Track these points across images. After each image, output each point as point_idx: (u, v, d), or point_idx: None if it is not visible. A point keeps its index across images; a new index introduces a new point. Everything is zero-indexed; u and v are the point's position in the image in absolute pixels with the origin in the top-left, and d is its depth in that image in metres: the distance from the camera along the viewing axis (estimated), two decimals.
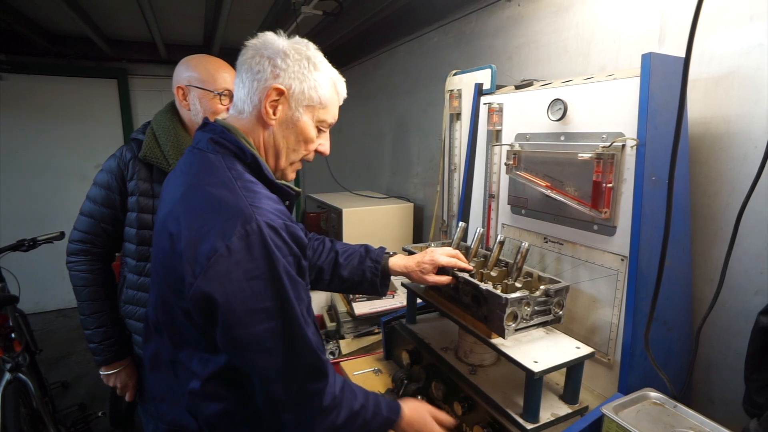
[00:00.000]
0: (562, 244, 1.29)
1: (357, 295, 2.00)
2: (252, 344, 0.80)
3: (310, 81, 0.93)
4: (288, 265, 0.82)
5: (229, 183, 0.85)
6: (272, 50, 0.91)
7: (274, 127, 0.94)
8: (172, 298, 0.87)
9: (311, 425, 0.86)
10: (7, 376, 2.05)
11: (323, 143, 1.03)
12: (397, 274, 1.27)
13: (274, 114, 0.92)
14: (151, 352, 1.02)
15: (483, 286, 1.07)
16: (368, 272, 1.27)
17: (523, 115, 1.40)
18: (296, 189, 1.00)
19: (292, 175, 1.04)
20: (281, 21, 3.13)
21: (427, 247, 1.32)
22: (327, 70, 0.97)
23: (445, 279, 1.17)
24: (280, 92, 0.91)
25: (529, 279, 1.17)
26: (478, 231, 1.32)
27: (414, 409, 1.07)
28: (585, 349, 1.06)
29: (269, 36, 0.93)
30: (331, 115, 1.01)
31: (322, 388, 0.87)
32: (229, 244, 0.77)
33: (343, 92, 1.03)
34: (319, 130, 1.00)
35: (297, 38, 0.96)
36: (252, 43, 0.93)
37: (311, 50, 0.96)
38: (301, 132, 0.96)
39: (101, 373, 1.51)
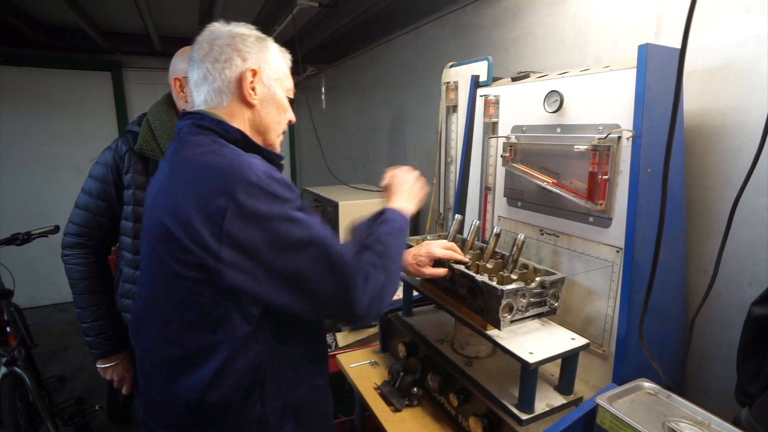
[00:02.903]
0: (557, 236, 1.29)
1: None
2: (295, 279, 0.82)
3: (270, 56, 0.99)
4: (295, 197, 0.87)
5: (216, 149, 0.87)
6: (227, 38, 0.94)
7: (256, 106, 0.98)
8: (182, 272, 0.84)
9: (378, 290, 0.87)
10: (3, 369, 2.04)
11: (290, 111, 1.09)
12: None
13: (255, 94, 0.96)
14: (142, 346, 1.00)
15: (479, 278, 1.07)
16: None
17: (519, 107, 1.40)
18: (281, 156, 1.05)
19: (279, 148, 1.09)
20: (276, 13, 3.10)
21: (423, 240, 1.32)
22: (272, 43, 1.02)
23: (441, 271, 1.17)
24: (254, 72, 0.95)
25: (525, 271, 1.18)
26: (474, 223, 1.32)
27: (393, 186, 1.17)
28: (580, 341, 1.07)
29: (215, 26, 0.97)
30: (291, 82, 1.07)
31: (354, 275, 0.85)
32: (235, 198, 0.79)
33: (289, 59, 1.07)
34: (289, 100, 1.06)
35: (235, 23, 0.99)
36: (202, 37, 0.96)
37: (253, 30, 1.00)
38: (279, 104, 1.02)
39: (98, 366, 1.50)
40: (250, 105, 0.97)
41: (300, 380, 0.98)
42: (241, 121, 0.97)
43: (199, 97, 0.97)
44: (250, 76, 0.94)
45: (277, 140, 1.06)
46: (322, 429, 1.04)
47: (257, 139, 0.99)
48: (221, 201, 0.80)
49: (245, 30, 0.97)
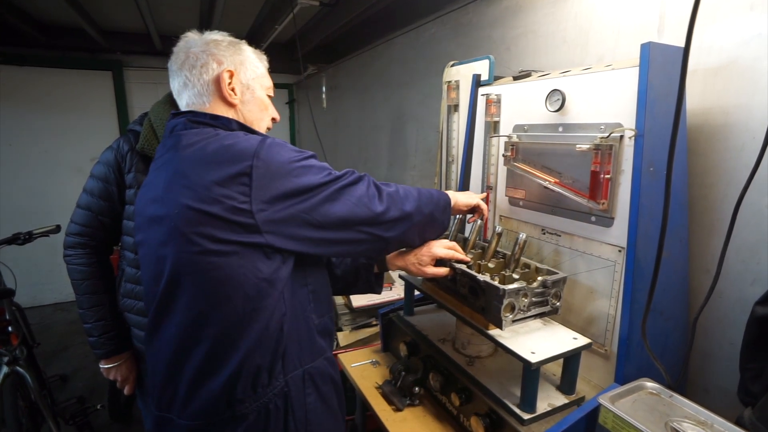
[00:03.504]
0: (559, 236, 1.29)
1: None
2: (339, 206, 0.93)
3: (245, 57, 1.03)
4: (310, 154, 0.95)
5: (223, 133, 0.93)
6: (201, 45, 0.99)
7: (238, 105, 1.02)
8: (211, 247, 0.86)
9: (403, 204, 1.03)
10: (5, 369, 2.04)
11: (273, 110, 1.13)
12: (396, 268, 1.27)
13: (235, 94, 1.01)
14: (162, 341, 0.97)
15: (481, 277, 1.07)
16: (362, 270, 1.27)
17: (521, 106, 1.40)
18: None
19: None
20: (277, 12, 3.10)
21: None
22: (246, 46, 1.07)
23: (443, 271, 1.17)
24: (231, 74, 1.00)
25: (527, 270, 1.18)
26: (475, 223, 1.31)
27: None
28: (582, 340, 1.07)
29: (189, 36, 1.02)
30: (270, 82, 1.12)
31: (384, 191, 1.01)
32: (258, 155, 0.85)
33: (266, 62, 1.12)
34: (269, 98, 1.11)
35: (208, 32, 1.04)
36: (178, 48, 1.00)
37: (227, 36, 1.05)
38: (260, 101, 1.07)
39: (101, 366, 1.50)
40: (231, 104, 1.01)
41: (316, 353, 1.02)
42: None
43: (181, 103, 1.02)
44: (228, 77, 0.99)
45: None
46: (337, 400, 1.08)
47: None
48: (245, 162, 0.85)
49: (218, 36, 1.02)
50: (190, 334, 0.92)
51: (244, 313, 0.89)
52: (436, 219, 1.12)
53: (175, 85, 1.01)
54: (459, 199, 1.23)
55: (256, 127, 1.04)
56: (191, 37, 1.01)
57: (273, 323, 0.92)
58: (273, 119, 1.13)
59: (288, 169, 0.88)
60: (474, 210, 1.30)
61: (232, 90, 1.00)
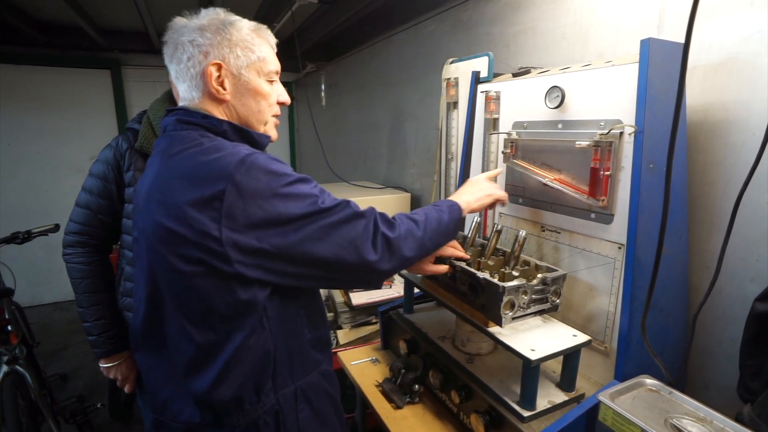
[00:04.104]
0: (559, 233, 1.29)
1: None
2: (313, 248, 0.83)
3: (238, 42, 0.92)
4: (291, 171, 0.86)
5: (205, 143, 0.86)
6: (188, 33, 0.90)
7: (230, 101, 0.93)
8: (184, 268, 0.83)
9: (401, 251, 0.92)
10: (4, 368, 2.04)
11: (281, 93, 1.02)
12: None
13: (225, 89, 0.92)
14: (152, 347, 0.98)
15: (480, 274, 1.07)
16: None
17: (520, 103, 1.39)
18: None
19: (273, 132, 1.04)
20: (276, 9, 3.09)
21: None
22: (244, 24, 0.95)
23: (442, 268, 1.17)
24: (219, 66, 0.90)
25: (527, 268, 1.17)
26: (475, 220, 1.31)
27: (466, 183, 1.22)
28: (582, 337, 1.07)
29: (178, 22, 0.92)
30: (274, 64, 0.99)
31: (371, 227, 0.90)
32: (232, 180, 0.78)
33: (271, 37, 1.00)
34: (272, 83, 1.00)
35: (197, 16, 0.94)
36: (167, 37, 0.92)
37: (222, 14, 0.94)
38: (256, 93, 0.95)
39: (101, 365, 1.50)
40: (221, 101, 0.93)
41: (310, 367, 0.99)
42: (218, 116, 0.93)
43: (180, 92, 0.96)
44: (215, 71, 0.90)
45: (265, 129, 1.01)
46: (334, 414, 1.05)
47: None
48: (218, 185, 0.78)
49: (205, 21, 0.91)
50: (176, 345, 0.91)
51: (222, 332, 0.86)
52: (440, 246, 1.07)
53: (171, 74, 0.95)
54: (472, 205, 1.14)
55: (253, 123, 0.97)
56: (178, 24, 0.92)
57: (256, 343, 0.88)
58: (281, 103, 1.02)
59: (265, 195, 0.80)
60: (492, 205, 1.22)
61: (221, 85, 0.91)
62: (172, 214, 0.81)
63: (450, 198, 1.13)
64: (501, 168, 1.37)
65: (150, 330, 0.96)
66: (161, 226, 0.83)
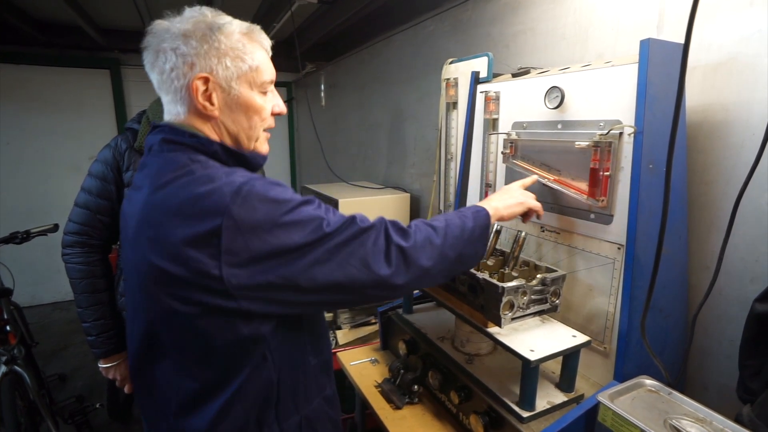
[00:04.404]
0: (558, 233, 1.29)
1: None
2: (321, 274, 0.77)
3: (227, 50, 0.81)
4: (292, 194, 0.79)
5: (196, 170, 0.78)
6: (171, 40, 0.79)
7: (218, 117, 0.84)
8: (181, 309, 0.77)
9: (419, 261, 0.85)
10: (3, 368, 2.04)
11: (276, 104, 0.92)
12: None
13: (212, 104, 0.82)
14: (147, 381, 0.92)
15: (479, 275, 1.07)
16: None
17: (520, 103, 1.39)
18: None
19: (265, 147, 0.94)
20: (275, 10, 3.09)
21: None
22: (235, 28, 0.84)
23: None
24: (206, 79, 0.80)
25: (526, 268, 1.17)
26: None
27: (498, 191, 1.15)
28: (581, 338, 1.07)
29: (159, 26, 0.81)
30: (268, 73, 0.89)
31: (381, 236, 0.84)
32: (229, 214, 0.72)
33: (265, 40, 0.89)
34: (265, 93, 0.90)
35: (189, 9, 0.83)
36: (147, 42, 0.82)
37: (209, 15, 0.83)
38: (248, 107, 0.86)
39: (100, 366, 1.50)
40: (208, 117, 0.83)
41: (314, 394, 0.95)
42: (206, 133, 0.85)
43: (163, 102, 0.86)
44: (201, 86, 0.80)
45: (255, 145, 0.92)
46: None
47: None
48: (215, 220, 0.72)
49: (190, 25, 0.80)
50: (171, 384, 0.86)
51: (224, 369, 0.81)
52: (465, 256, 0.95)
53: (154, 83, 0.85)
54: (501, 212, 1.04)
55: (244, 140, 0.88)
56: (159, 27, 0.81)
57: (258, 376, 0.83)
58: (277, 113, 0.93)
59: (266, 226, 0.74)
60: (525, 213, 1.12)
61: (208, 99, 0.81)
62: (165, 253, 0.74)
63: (477, 204, 1.05)
64: (535, 176, 1.24)
65: (143, 367, 0.91)
66: (154, 267, 0.76)
